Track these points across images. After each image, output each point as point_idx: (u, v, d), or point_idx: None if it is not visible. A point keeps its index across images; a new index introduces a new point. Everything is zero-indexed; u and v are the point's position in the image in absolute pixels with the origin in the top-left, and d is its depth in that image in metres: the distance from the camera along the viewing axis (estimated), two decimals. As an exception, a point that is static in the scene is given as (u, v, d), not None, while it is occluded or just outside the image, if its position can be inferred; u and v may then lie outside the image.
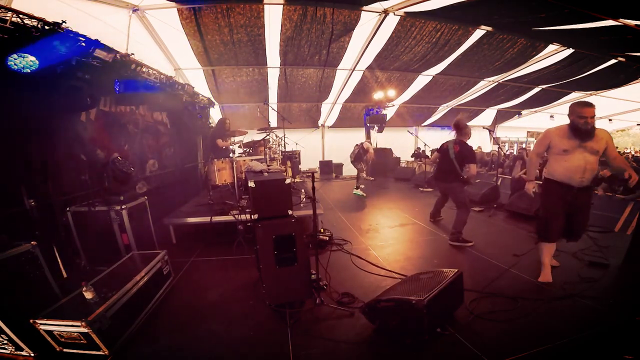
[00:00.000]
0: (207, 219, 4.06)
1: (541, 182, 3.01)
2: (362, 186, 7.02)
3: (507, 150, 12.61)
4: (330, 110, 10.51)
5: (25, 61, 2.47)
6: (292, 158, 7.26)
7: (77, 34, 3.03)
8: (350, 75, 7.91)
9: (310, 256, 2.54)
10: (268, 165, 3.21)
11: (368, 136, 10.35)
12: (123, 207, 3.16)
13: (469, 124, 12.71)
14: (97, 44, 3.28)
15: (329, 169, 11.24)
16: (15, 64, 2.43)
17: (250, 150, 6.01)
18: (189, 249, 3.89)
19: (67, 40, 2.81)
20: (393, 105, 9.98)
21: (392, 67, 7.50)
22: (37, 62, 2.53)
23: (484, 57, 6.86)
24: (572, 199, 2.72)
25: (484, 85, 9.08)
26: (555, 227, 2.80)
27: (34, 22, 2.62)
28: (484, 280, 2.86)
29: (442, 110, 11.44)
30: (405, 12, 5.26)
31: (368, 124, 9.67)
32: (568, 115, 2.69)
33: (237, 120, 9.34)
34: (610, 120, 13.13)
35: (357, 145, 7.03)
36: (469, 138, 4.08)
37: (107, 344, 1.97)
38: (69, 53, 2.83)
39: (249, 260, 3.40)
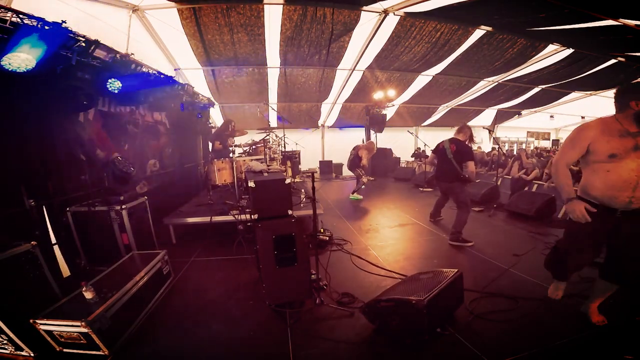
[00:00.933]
0: (207, 219, 4.06)
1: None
2: (362, 186, 7.00)
3: (506, 150, 12.61)
4: (330, 110, 10.51)
5: (19, 60, 2.45)
6: (292, 158, 7.25)
7: (76, 34, 3.03)
8: (350, 75, 7.91)
9: (310, 256, 2.54)
10: (268, 165, 3.21)
11: (368, 137, 10.33)
12: (123, 207, 3.16)
13: (468, 123, 12.70)
14: (96, 44, 3.28)
15: (329, 169, 11.26)
16: (9, 64, 2.41)
17: (250, 150, 6.01)
18: (189, 249, 3.89)
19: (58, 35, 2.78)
20: (393, 105, 9.98)
21: (392, 67, 7.50)
22: (33, 61, 2.52)
23: (484, 57, 6.86)
24: (614, 228, 1.90)
25: (484, 85, 9.08)
26: (576, 265, 2.20)
27: (34, 22, 2.62)
28: (484, 280, 2.86)
29: (442, 110, 11.44)
30: (405, 12, 5.26)
31: (369, 125, 9.67)
32: (626, 100, 1.83)
33: (237, 120, 9.33)
34: (610, 120, 13.12)
35: (353, 148, 6.87)
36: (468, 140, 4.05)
37: (107, 344, 1.97)
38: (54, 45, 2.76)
39: (249, 260, 3.40)
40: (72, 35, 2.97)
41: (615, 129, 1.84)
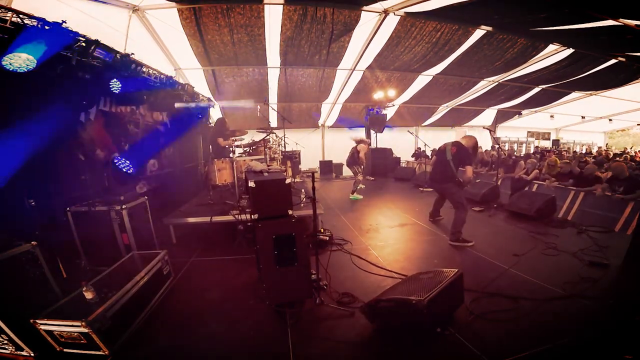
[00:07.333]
0: (207, 219, 4.05)
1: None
2: (362, 186, 7.00)
3: (506, 149, 12.66)
4: (330, 110, 10.51)
5: (21, 60, 2.45)
6: (292, 158, 7.24)
7: (77, 34, 3.03)
8: (350, 75, 7.91)
9: (310, 256, 2.54)
10: (268, 165, 3.21)
11: (368, 136, 10.32)
12: (123, 207, 3.15)
13: (469, 123, 12.61)
14: (97, 44, 3.28)
15: (329, 169, 11.25)
16: (10, 64, 2.40)
17: (250, 150, 6.01)
18: (189, 249, 3.88)
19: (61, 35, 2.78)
20: (393, 105, 9.98)
21: (392, 67, 7.50)
22: (34, 61, 2.51)
23: (484, 57, 6.86)
24: None
25: (484, 85, 9.08)
26: None
27: (34, 22, 2.62)
28: (484, 280, 2.86)
29: (442, 110, 11.44)
30: (405, 12, 5.26)
31: (369, 125, 9.67)
32: None
33: (237, 120, 9.34)
34: (610, 120, 13.15)
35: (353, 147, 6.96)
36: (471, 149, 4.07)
37: (107, 344, 1.97)
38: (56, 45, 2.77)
39: (249, 260, 3.40)
40: (72, 34, 2.97)
41: None
